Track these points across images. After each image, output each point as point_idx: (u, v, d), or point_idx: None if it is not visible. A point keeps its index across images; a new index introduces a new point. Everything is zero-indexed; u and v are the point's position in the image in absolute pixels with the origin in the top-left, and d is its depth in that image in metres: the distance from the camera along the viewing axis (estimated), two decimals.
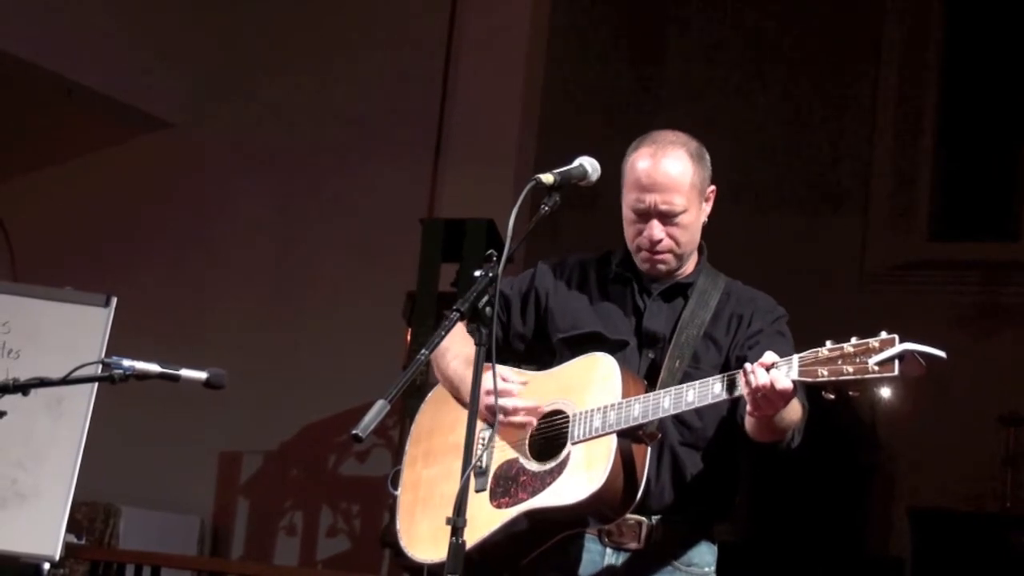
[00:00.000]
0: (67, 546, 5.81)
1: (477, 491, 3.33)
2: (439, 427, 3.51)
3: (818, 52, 9.54)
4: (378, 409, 2.90)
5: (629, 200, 3.39)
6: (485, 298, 3.03)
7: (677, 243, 3.38)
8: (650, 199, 3.35)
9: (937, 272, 9.26)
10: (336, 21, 9.04)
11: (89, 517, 8.13)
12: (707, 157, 3.45)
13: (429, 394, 3.63)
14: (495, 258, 3.07)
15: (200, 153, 9.28)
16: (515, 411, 3.30)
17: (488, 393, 3.18)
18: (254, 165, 9.18)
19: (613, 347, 3.36)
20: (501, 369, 3.31)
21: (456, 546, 2.88)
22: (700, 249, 3.49)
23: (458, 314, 3.02)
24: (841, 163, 9.57)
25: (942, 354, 2.84)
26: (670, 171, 3.36)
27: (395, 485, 3.59)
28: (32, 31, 8.35)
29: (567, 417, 3.28)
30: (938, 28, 9.69)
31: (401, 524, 3.52)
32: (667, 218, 3.36)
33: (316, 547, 8.74)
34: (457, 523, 2.89)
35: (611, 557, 3.30)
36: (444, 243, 7.79)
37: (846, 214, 9.54)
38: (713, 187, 3.45)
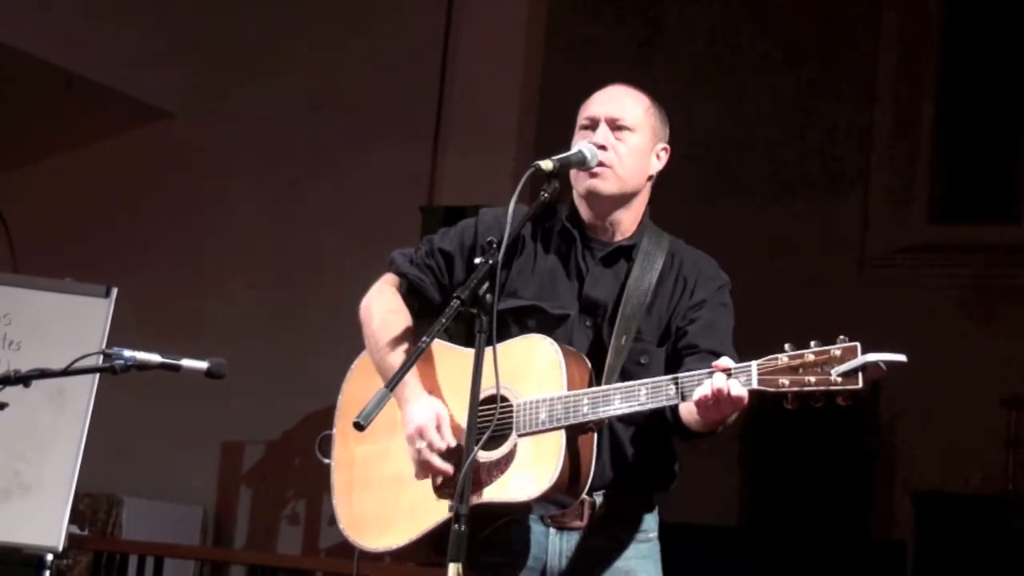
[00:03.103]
0: (70, 537, 5.83)
1: (417, 477, 3.27)
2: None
3: (818, 33, 9.53)
4: (379, 397, 2.91)
5: (580, 119, 3.37)
6: (485, 285, 3.01)
7: (621, 161, 3.31)
8: (600, 109, 3.34)
9: (938, 255, 9.26)
10: (335, 9, 9.02)
11: (92, 508, 8.13)
12: (666, 118, 3.42)
13: (355, 361, 3.51)
14: (495, 245, 3.05)
15: (200, 143, 9.27)
16: (426, 465, 3.22)
17: (421, 436, 3.17)
18: (254, 155, 9.17)
19: (554, 322, 3.29)
20: (443, 416, 3.23)
21: (458, 534, 2.85)
22: (644, 212, 3.41)
23: (458, 301, 2.99)
24: (841, 146, 9.56)
25: (902, 358, 2.82)
26: (625, 90, 3.39)
27: (325, 452, 3.50)
28: (31, 21, 8.33)
29: (511, 405, 3.20)
30: (939, 9, 9.68)
31: (339, 508, 3.43)
32: (615, 127, 3.32)
33: (319, 536, 8.74)
34: (459, 510, 2.86)
35: (554, 537, 3.26)
36: None
37: (846, 197, 9.54)
38: (666, 146, 3.41)
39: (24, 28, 8.31)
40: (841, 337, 2.86)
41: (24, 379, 3.41)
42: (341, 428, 3.50)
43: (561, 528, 3.26)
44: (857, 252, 9.43)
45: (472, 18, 8.63)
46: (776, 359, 2.91)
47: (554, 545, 3.26)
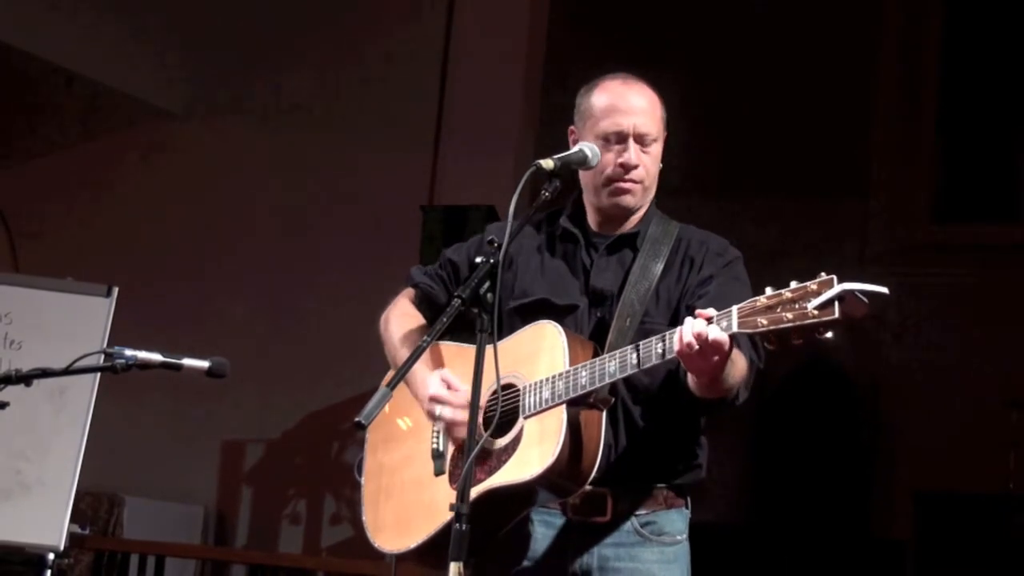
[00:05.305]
0: (71, 536, 5.84)
1: (436, 475, 3.30)
2: (396, 411, 3.42)
3: (818, 33, 9.52)
4: (380, 396, 2.90)
5: (604, 126, 3.31)
6: (486, 284, 3.00)
7: (648, 173, 3.33)
8: (629, 122, 3.30)
9: (939, 255, 9.25)
10: (336, 10, 9.02)
11: (93, 507, 8.13)
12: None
13: (386, 376, 3.50)
14: (496, 245, 3.05)
15: (201, 142, 9.28)
16: (455, 423, 3.24)
17: (437, 401, 3.22)
18: (254, 154, 9.17)
19: (562, 313, 3.30)
20: (447, 375, 3.27)
21: (460, 533, 2.85)
22: (651, 201, 3.42)
23: (459, 301, 2.99)
24: (841, 147, 9.56)
25: (884, 290, 2.74)
26: (644, 96, 3.36)
27: (362, 472, 3.54)
28: (31, 20, 8.34)
29: (519, 391, 3.22)
30: (938, 9, 9.68)
31: (367, 515, 3.47)
32: (643, 142, 3.32)
33: (320, 535, 8.75)
34: (460, 509, 2.85)
35: (577, 532, 3.24)
36: (445, 230, 7.78)
37: (847, 198, 9.54)
38: (666, 133, 3.42)
39: (24, 28, 8.31)
40: (821, 273, 2.81)
41: (25, 378, 3.41)
42: (371, 440, 3.54)
43: (583, 521, 3.23)
44: (857, 252, 9.43)
45: (472, 19, 8.63)
46: (755, 301, 2.87)
47: (575, 543, 3.24)
